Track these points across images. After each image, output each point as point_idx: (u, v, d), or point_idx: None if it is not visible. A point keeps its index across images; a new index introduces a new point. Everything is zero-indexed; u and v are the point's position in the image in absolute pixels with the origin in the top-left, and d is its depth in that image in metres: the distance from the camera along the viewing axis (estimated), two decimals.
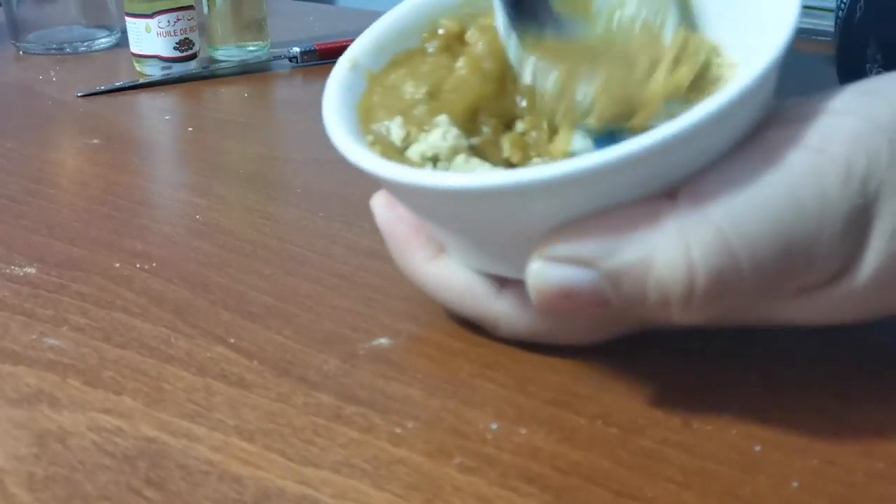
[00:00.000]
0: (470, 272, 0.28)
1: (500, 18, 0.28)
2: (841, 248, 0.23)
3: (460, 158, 0.27)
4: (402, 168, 0.25)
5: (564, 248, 0.23)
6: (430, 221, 0.28)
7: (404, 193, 0.27)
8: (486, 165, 0.27)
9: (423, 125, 0.27)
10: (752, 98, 0.23)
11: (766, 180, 0.22)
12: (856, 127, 0.23)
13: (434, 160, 0.27)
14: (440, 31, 0.30)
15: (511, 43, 0.28)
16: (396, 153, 0.27)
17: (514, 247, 0.25)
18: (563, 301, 0.24)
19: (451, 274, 0.29)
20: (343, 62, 0.29)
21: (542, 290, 0.24)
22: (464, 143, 0.27)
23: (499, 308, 0.28)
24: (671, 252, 0.22)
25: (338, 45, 0.67)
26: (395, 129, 0.27)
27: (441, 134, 0.27)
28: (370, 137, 0.27)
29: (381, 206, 0.30)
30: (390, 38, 0.30)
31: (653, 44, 0.27)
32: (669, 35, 0.27)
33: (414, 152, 0.27)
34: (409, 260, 0.29)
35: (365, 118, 0.28)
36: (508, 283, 0.28)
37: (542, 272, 0.24)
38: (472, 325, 0.30)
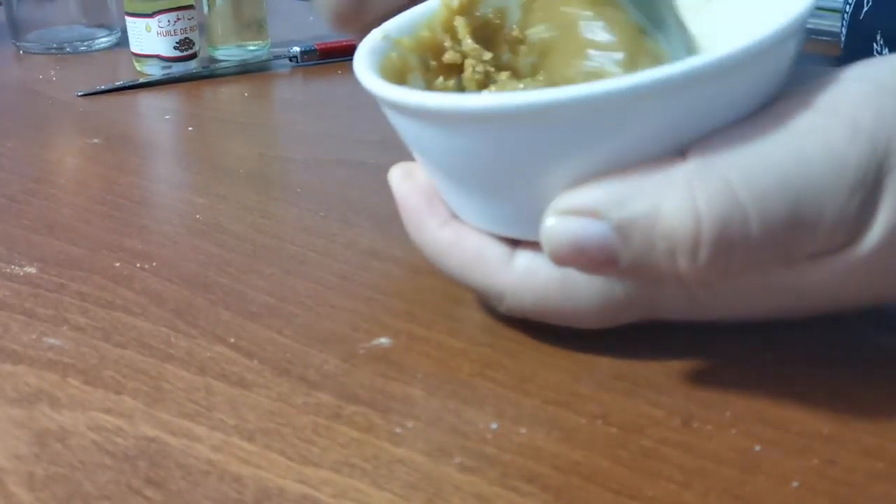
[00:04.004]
0: (482, 236, 0.28)
1: None
2: (850, 208, 0.23)
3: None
4: (432, 94, 0.25)
5: (576, 199, 0.24)
6: (446, 163, 0.27)
7: (428, 121, 0.26)
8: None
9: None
10: (771, 52, 0.24)
11: (773, 137, 0.23)
12: (861, 89, 0.24)
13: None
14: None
15: None
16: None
17: (526, 193, 0.25)
18: (575, 255, 0.24)
19: (462, 237, 0.28)
20: (376, 32, 0.30)
21: (555, 243, 0.24)
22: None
23: (507, 277, 0.28)
24: (678, 201, 0.23)
25: (338, 45, 0.67)
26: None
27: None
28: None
29: (399, 176, 0.30)
30: (421, 25, 0.31)
31: None
32: None
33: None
34: (422, 227, 0.29)
35: (388, 75, 0.29)
36: (519, 252, 0.28)
37: (555, 225, 0.24)
38: (473, 325, 0.30)
